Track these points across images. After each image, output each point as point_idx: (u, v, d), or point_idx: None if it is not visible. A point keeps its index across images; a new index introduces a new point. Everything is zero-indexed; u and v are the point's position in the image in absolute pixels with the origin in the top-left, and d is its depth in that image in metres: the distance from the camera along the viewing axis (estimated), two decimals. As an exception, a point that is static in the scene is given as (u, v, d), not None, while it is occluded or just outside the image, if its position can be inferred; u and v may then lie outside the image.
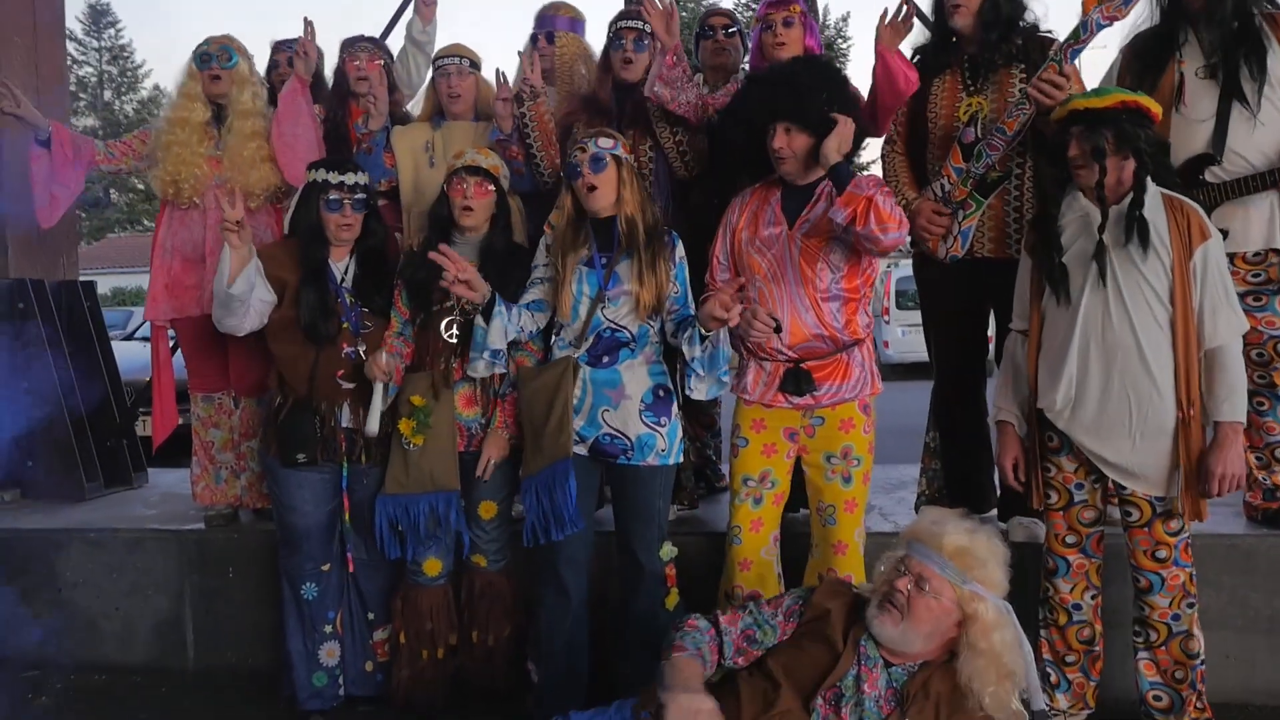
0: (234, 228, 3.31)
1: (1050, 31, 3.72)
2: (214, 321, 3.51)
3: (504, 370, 3.46)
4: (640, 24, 3.83)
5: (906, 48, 3.61)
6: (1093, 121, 3.04)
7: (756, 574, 3.39)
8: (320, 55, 4.38)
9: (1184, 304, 3.00)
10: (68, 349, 4.91)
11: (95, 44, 39.36)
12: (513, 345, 3.46)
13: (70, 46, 37.65)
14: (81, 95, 37.92)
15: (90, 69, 39.13)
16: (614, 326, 3.34)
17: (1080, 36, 3.35)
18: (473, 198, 3.46)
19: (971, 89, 3.74)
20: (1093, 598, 3.29)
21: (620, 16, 3.90)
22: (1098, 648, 3.32)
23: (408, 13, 4.60)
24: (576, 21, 4.35)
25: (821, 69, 3.31)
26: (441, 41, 4.36)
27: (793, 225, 3.27)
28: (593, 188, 3.31)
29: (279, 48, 4.49)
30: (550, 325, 3.51)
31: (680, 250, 3.40)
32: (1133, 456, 3.08)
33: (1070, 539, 3.26)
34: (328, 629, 3.65)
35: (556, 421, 3.31)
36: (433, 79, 4.14)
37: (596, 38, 4.27)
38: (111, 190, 33.86)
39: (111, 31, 39.68)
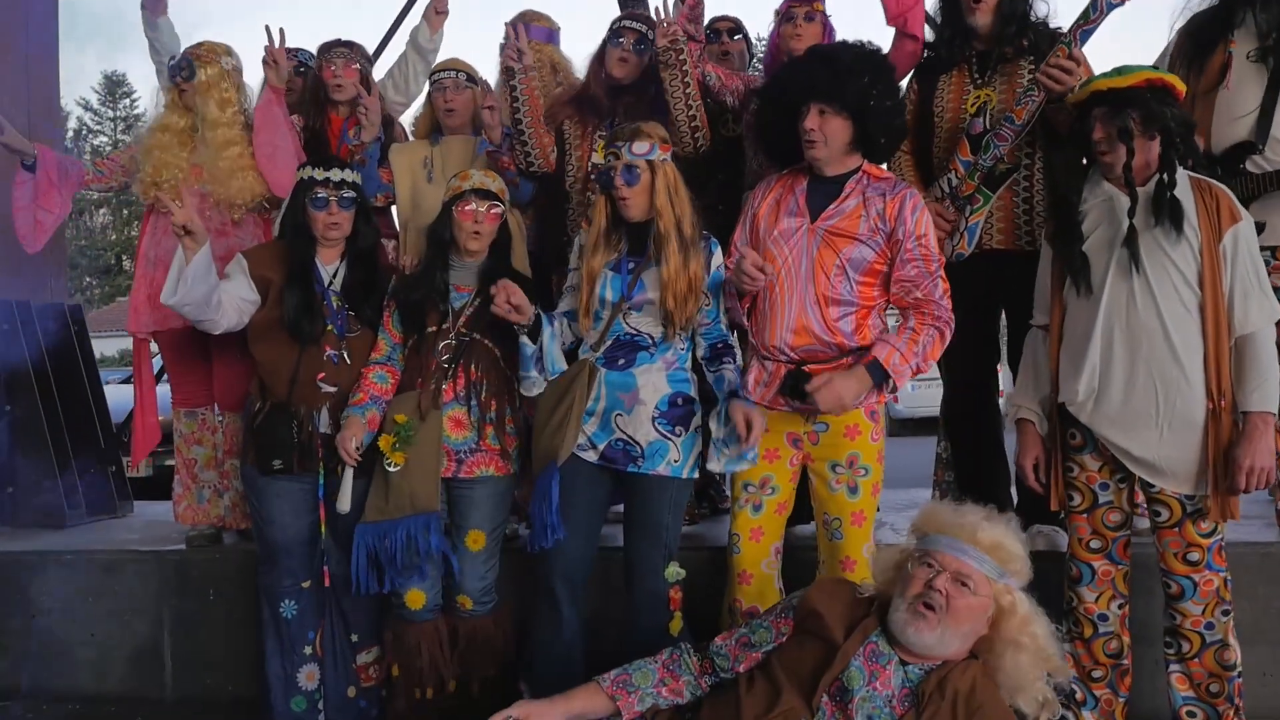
0: (180, 230, 3.11)
1: (1059, 28, 3.62)
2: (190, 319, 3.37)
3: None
4: (643, 27, 3.76)
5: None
6: (1117, 102, 2.90)
7: (757, 589, 3.19)
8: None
9: (1214, 289, 2.86)
10: (52, 373, 4.78)
11: (110, 114, 39.89)
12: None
13: (86, 116, 38.36)
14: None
15: (105, 138, 39.64)
16: (635, 332, 3.19)
17: (1090, 17, 3.27)
18: (483, 223, 3.33)
19: (979, 82, 3.66)
20: (1120, 607, 3.08)
21: (624, 16, 3.84)
22: (1126, 661, 3.10)
23: (414, 17, 4.54)
24: (553, 33, 4.31)
25: (867, 54, 3.15)
26: (441, 55, 4.31)
27: (815, 219, 3.12)
28: (624, 199, 3.15)
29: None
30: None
31: (718, 257, 3.23)
32: (1160, 450, 2.91)
33: (1094, 544, 3.06)
34: (307, 650, 3.46)
35: (558, 421, 3.15)
36: (429, 93, 4.06)
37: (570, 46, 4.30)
38: (124, 257, 34.10)
39: (127, 101, 40.24)
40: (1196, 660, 2.97)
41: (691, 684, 2.66)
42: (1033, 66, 3.52)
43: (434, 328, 3.33)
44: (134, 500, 5.10)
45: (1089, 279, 2.97)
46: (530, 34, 4.15)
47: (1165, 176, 2.88)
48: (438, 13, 4.42)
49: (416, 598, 3.32)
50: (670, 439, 3.16)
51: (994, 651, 2.44)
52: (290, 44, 4.09)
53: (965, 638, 2.43)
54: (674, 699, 2.64)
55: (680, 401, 3.19)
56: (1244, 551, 3.42)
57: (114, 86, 40.22)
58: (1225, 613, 2.95)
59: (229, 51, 4.12)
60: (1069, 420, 3.06)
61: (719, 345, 3.24)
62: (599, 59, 3.88)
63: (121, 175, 4.22)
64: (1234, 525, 3.11)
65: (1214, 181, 2.95)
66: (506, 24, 3.90)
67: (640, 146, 3.13)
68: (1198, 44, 3.49)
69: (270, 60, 3.94)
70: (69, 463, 4.73)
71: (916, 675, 2.43)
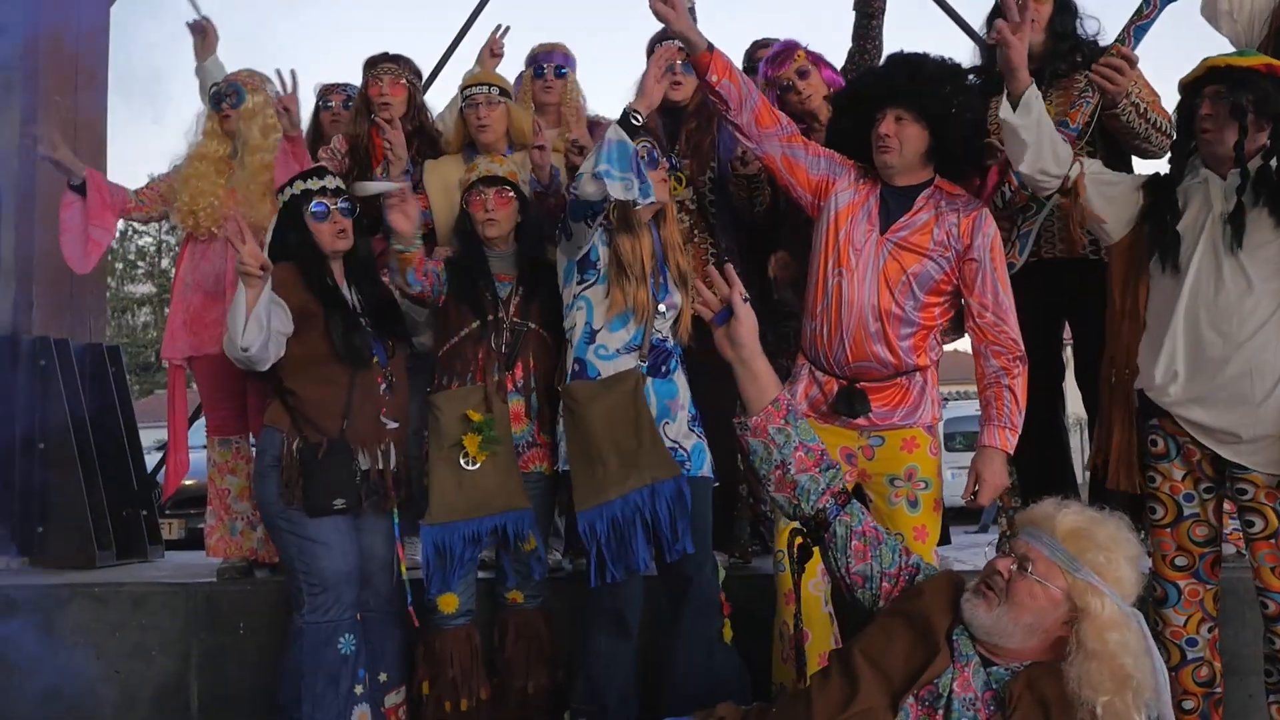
0: (251, 264, 2.98)
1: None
2: (228, 352, 3.22)
3: (648, 199, 3.06)
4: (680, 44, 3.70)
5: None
6: (1232, 81, 2.79)
7: (805, 611, 2.90)
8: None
9: None
10: (88, 412, 4.71)
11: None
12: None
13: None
14: (140, 264, 39.16)
15: (150, 239, 40.50)
16: (663, 337, 3.17)
17: (1144, 12, 3.20)
18: (494, 209, 3.29)
19: None
20: (1209, 630, 2.87)
21: (663, 35, 3.73)
22: (1219, 689, 2.87)
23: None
24: (570, 58, 4.25)
25: (951, 66, 3.11)
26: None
27: (885, 230, 3.01)
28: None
29: (328, 91, 4.43)
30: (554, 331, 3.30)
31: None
32: (1255, 428, 2.72)
33: (1180, 560, 2.86)
34: (359, 690, 3.20)
35: (650, 438, 3.05)
36: (462, 111, 4.00)
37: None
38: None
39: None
40: None
41: (819, 485, 2.37)
42: (1088, 79, 3.44)
43: (491, 316, 3.27)
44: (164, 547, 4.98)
45: (1176, 259, 2.84)
46: (559, 60, 4.15)
47: (1275, 162, 2.76)
48: (493, 54, 4.40)
49: (450, 601, 3.21)
50: (702, 439, 3.18)
51: (1065, 655, 2.16)
52: (340, 78, 4.11)
53: (1029, 631, 2.18)
54: (795, 468, 2.36)
55: (698, 404, 3.24)
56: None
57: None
58: None
59: (268, 80, 4.11)
60: (1150, 423, 2.89)
61: None
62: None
63: (161, 204, 4.20)
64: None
65: None
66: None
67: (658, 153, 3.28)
68: None
69: (280, 108, 3.83)
70: (101, 504, 4.62)
71: (1000, 676, 2.20)
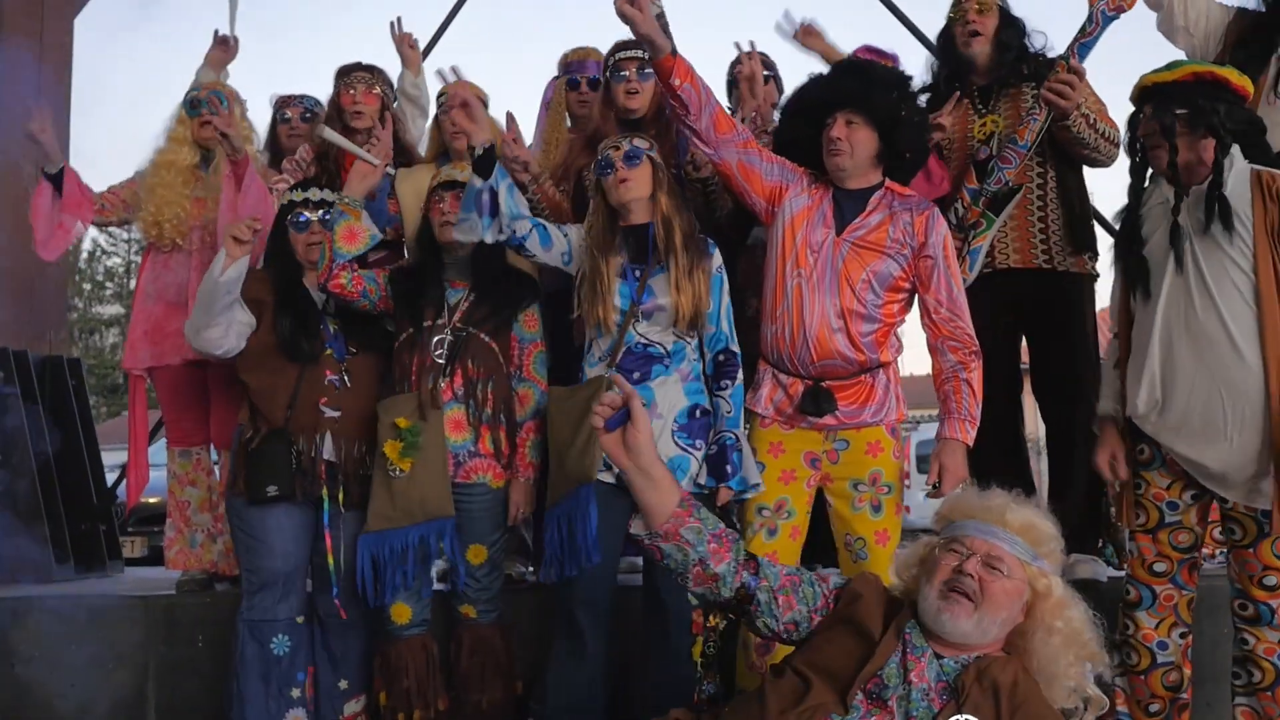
0: (244, 236, 3.11)
1: (1057, 58, 3.62)
2: (189, 336, 3.28)
3: (523, 238, 3.09)
4: (641, 52, 3.67)
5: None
6: (1163, 98, 2.82)
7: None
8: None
9: (1272, 285, 2.70)
10: (47, 424, 4.66)
11: (125, 235, 40.56)
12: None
13: (101, 238, 38.89)
14: (109, 284, 38.85)
15: (119, 259, 40.20)
16: (646, 342, 3.09)
17: (1087, 29, 3.28)
18: (451, 212, 3.26)
19: (983, 110, 3.66)
20: (1182, 636, 2.89)
21: (617, 48, 3.74)
22: (1185, 695, 2.89)
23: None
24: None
25: (896, 72, 3.19)
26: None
27: (841, 231, 3.05)
28: (624, 180, 3.09)
29: (285, 102, 4.39)
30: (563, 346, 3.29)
31: (718, 260, 3.18)
32: (1231, 460, 2.73)
33: (1159, 566, 2.87)
34: (295, 692, 3.24)
35: (583, 442, 3.00)
36: (436, 117, 4.01)
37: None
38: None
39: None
40: (1269, 694, 2.75)
41: (733, 566, 2.32)
42: (1035, 91, 3.52)
43: (429, 322, 3.24)
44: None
45: (1146, 284, 2.86)
46: (587, 70, 4.14)
47: (1214, 176, 2.77)
48: (410, 47, 4.40)
49: (402, 611, 3.17)
50: (691, 453, 3.05)
51: (1025, 636, 2.26)
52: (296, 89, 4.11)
53: (1003, 625, 2.26)
54: (713, 562, 2.29)
55: (699, 414, 3.09)
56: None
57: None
58: None
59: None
60: (1136, 434, 2.92)
61: (721, 356, 3.15)
62: (605, 100, 3.80)
63: (122, 210, 4.14)
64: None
65: (1276, 173, 2.82)
66: (508, 125, 3.65)
67: (641, 142, 3.17)
68: (1249, 56, 3.42)
69: (219, 134, 3.71)
70: (60, 518, 4.57)
71: (952, 668, 2.25)
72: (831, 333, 2.99)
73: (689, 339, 3.13)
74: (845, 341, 3.00)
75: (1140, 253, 2.89)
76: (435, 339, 3.23)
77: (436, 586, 3.40)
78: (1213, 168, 2.78)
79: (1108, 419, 3.02)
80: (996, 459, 3.62)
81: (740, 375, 3.15)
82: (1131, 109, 2.95)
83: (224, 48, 4.46)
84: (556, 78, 4.29)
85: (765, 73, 4.20)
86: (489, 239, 3.05)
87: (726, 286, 3.18)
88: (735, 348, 3.17)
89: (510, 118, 3.69)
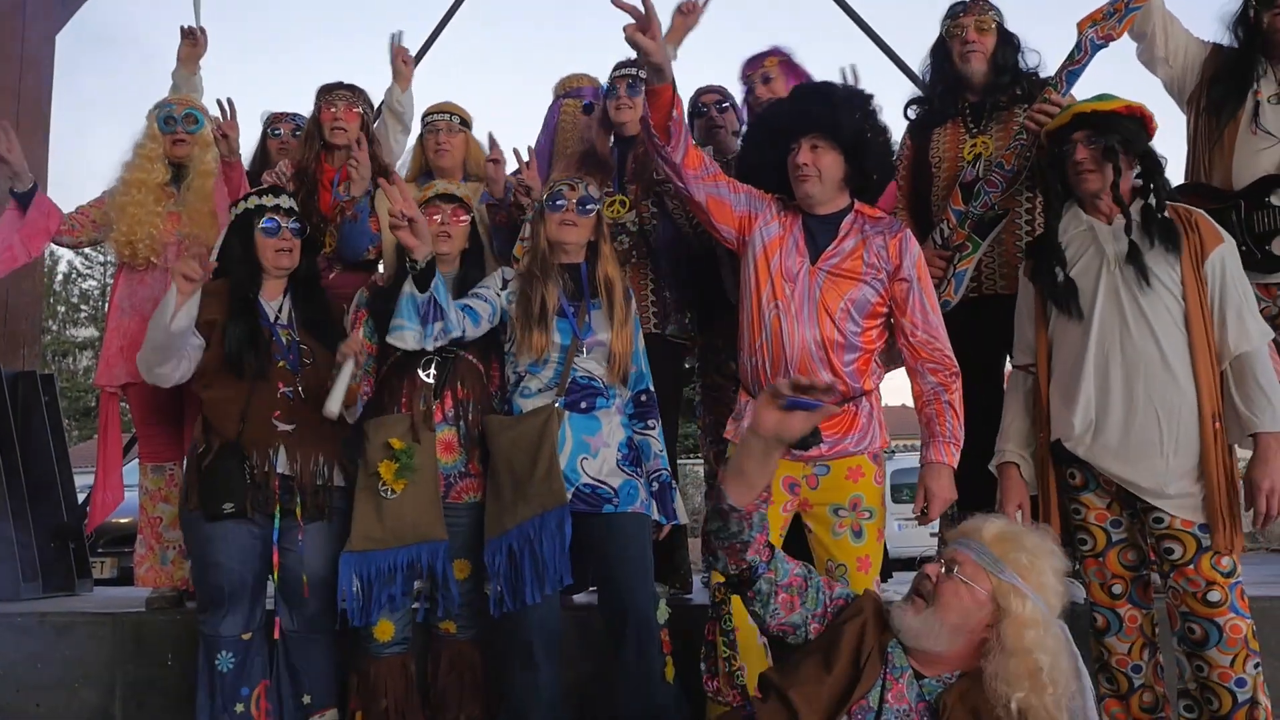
0: (194, 274, 3.04)
1: (1050, 79, 3.66)
2: (141, 370, 3.24)
3: (451, 334, 3.10)
4: (633, 70, 3.73)
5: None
6: (1099, 126, 2.91)
7: (741, 642, 2.95)
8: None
9: (1200, 311, 2.81)
10: (18, 441, 4.63)
11: (101, 258, 40.33)
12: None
13: (77, 260, 38.66)
14: (84, 307, 38.58)
15: (94, 282, 39.97)
16: (589, 375, 3.16)
17: (1075, 58, 3.30)
18: (449, 224, 3.30)
19: (974, 131, 3.67)
20: (1150, 655, 2.90)
21: (614, 69, 3.82)
22: (1165, 713, 2.89)
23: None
24: (599, 90, 4.23)
25: (858, 91, 3.17)
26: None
27: (815, 260, 3.03)
28: (573, 224, 3.18)
29: (277, 119, 4.43)
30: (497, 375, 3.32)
31: (634, 307, 3.31)
32: (1168, 477, 2.78)
33: (1116, 588, 2.90)
34: (239, 708, 3.18)
35: (545, 469, 3.02)
36: (420, 136, 4.03)
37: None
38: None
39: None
40: None
41: (757, 547, 2.36)
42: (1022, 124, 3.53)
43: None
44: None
45: (1078, 304, 2.91)
46: (583, 95, 4.18)
47: (1154, 199, 2.89)
48: (404, 62, 4.43)
49: (385, 629, 3.15)
50: (637, 479, 3.14)
51: (984, 653, 2.22)
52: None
53: (955, 632, 2.23)
54: (751, 548, 2.34)
55: (631, 446, 3.21)
56: (1268, 606, 3.25)
57: (106, 232, 40.71)
58: (1256, 665, 2.76)
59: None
60: (1065, 459, 2.94)
61: (643, 396, 3.29)
62: (602, 122, 3.84)
63: (91, 230, 4.09)
64: (1256, 578, 2.94)
65: (1190, 206, 2.95)
66: (516, 176, 3.69)
67: (596, 191, 3.27)
68: (1226, 92, 3.53)
69: (219, 134, 3.86)
70: (29, 535, 4.52)
71: (933, 688, 2.25)
72: (813, 364, 2.96)
73: (622, 386, 3.26)
74: (828, 372, 2.96)
75: (1067, 275, 2.95)
76: (424, 360, 3.23)
77: (415, 605, 3.38)
78: (1144, 193, 2.92)
79: (1009, 465, 3.07)
80: (978, 484, 3.64)
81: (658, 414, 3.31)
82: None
83: (192, 41, 4.47)
84: (561, 98, 4.31)
85: (723, 102, 4.28)
86: (429, 346, 3.08)
87: (642, 342, 3.32)
88: (652, 388, 3.31)
89: (493, 140, 3.72)
